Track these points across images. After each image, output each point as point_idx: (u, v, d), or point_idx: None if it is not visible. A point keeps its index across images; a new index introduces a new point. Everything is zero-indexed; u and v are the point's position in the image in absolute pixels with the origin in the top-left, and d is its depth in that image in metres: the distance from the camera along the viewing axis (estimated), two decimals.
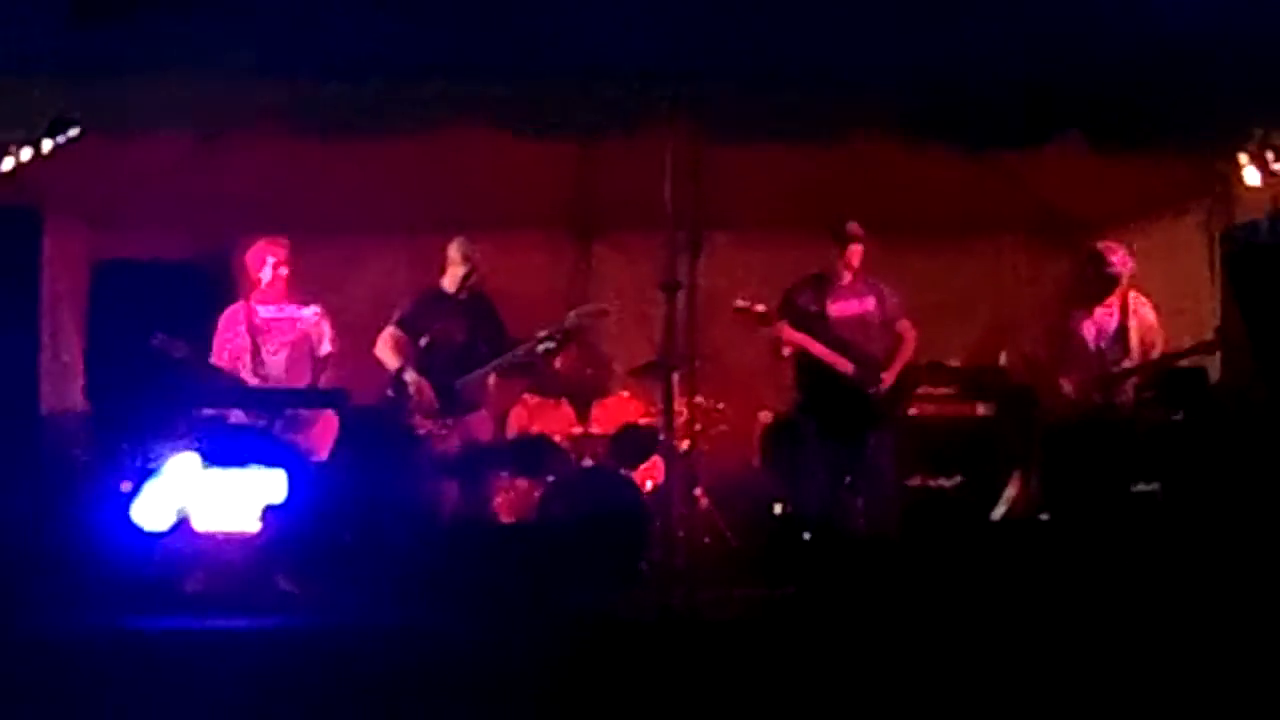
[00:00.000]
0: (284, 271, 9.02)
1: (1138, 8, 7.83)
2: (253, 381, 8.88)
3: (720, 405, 9.53)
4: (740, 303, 9.00)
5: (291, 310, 9.11)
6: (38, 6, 7.49)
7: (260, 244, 9.03)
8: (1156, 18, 7.80)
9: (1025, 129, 7.71)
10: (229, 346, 8.99)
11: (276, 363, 9.00)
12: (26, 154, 7.55)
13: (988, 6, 8.19)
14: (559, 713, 5.94)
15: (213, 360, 8.90)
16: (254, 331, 8.99)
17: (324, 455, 8.66)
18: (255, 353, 8.96)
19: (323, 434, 8.70)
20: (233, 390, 8.80)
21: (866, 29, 7.76)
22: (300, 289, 9.17)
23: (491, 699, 5.90)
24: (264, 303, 9.04)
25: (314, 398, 8.83)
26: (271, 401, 8.65)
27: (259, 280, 9.00)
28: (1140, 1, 7.79)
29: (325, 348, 9.11)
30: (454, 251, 9.22)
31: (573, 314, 9.28)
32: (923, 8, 8.01)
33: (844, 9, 7.89)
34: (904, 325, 9.24)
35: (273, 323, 9.05)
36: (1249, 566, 7.13)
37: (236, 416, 8.59)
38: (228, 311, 9.06)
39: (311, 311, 9.14)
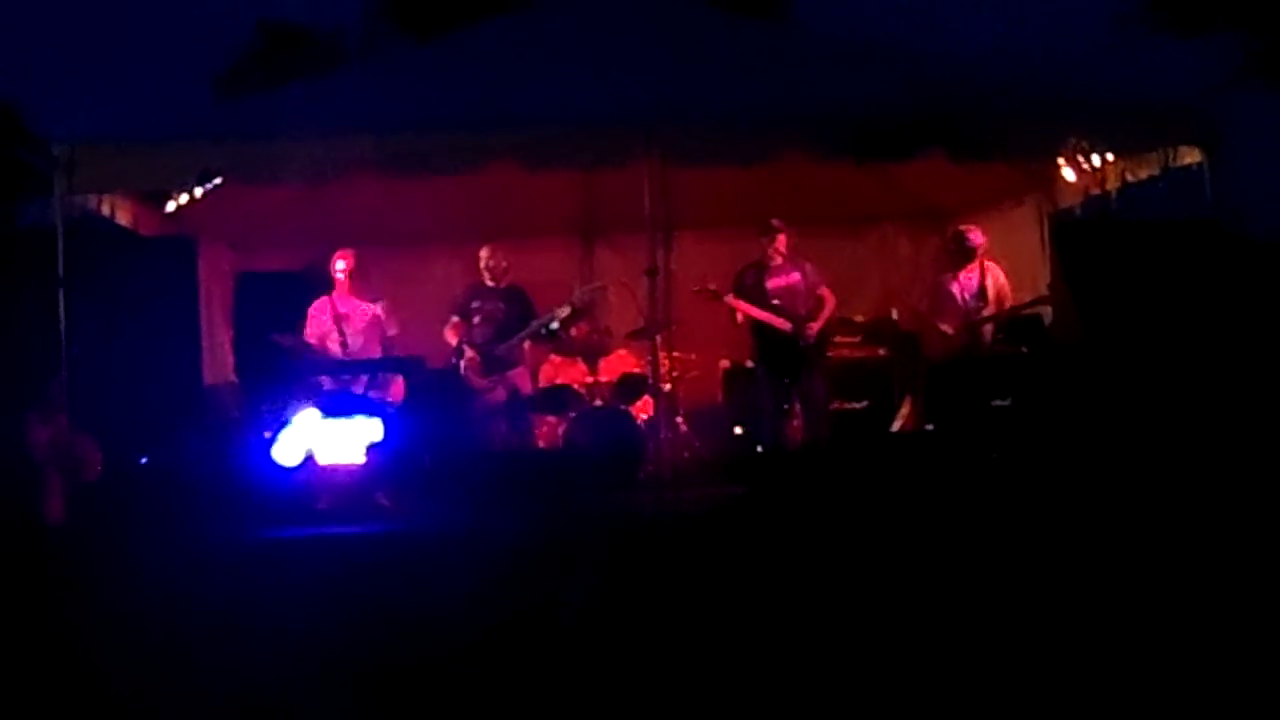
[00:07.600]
0: (350, 272, 8.70)
1: (982, 61, 7.80)
2: (340, 355, 8.62)
3: (692, 356, 9.43)
4: (696, 287, 8.78)
5: (364, 304, 8.78)
6: (188, 88, 7.45)
7: (337, 254, 8.76)
8: (995, 65, 7.76)
9: (902, 146, 7.65)
10: (317, 329, 8.68)
11: (357, 342, 8.69)
12: (184, 198, 7.51)
13: (870, 63, 8.18)
14: (583, 582, 5.91)
15: (305, 338, 8.61)
16: (338, 319, 8.69)
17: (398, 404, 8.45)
18: (341, 334, 8.65)
19: (397, 391, 8.47)
20: (339, 362, 8.59)
21: (785, 82, 7.74)
22: (371, 287, 8.89)
23: (533, 576, 5.88)
24: (342, 297, 8.74)
25: (398, 364, 8.69)
26: (368, 368, 8.48)
27: (336, 279, 8.71)
28: (983, 56, 7.75)
29: (392, 331, 8.80)
30: (484, 256, 9.10)
31: (578, 290, 9.21)
32: (825, 66, 8.00)
33: (768, 70, 7.88)
34: (824, 291, 9.03)
35: (351, 312, 8.73)
36: (1073, 454, 7.18)
37: (329, 383, 8.36)
38: (315, 303, 8.73)
39: (380, 305, 8.80)
